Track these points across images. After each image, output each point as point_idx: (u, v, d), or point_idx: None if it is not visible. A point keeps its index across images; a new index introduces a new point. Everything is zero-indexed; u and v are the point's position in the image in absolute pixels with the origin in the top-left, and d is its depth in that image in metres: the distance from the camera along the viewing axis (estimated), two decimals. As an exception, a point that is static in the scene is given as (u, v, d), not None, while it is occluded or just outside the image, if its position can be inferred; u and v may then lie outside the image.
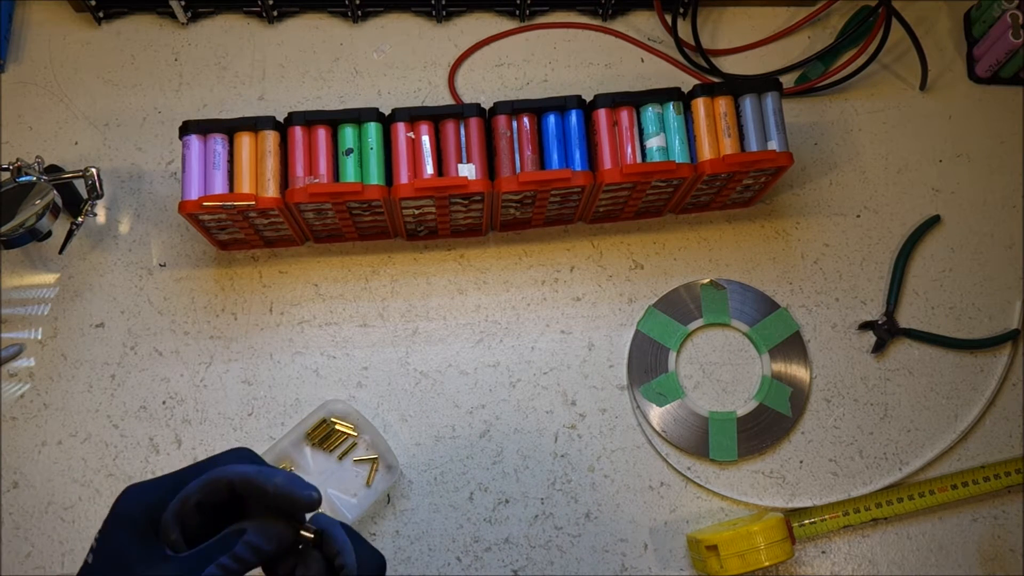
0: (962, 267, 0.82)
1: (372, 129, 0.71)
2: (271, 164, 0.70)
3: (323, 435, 0.73)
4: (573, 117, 0.72)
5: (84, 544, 0.71)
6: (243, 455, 0.48)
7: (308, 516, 0.47)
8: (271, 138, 0.71)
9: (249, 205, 0.69)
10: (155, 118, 0.83)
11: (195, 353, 0.76)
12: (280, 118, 0.72)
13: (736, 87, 0.74)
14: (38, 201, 0.74)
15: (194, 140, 0.70)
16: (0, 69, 0.84)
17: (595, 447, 0.75)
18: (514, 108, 0.72)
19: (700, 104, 0.73)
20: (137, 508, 0.44)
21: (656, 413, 0.76)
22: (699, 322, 0.79)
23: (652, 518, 0.74)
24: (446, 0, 0.86)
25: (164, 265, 0.79)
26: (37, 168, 0.76)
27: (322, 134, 0.71)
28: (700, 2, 0.88)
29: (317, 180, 0.70)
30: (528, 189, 0.71)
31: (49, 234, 0.77)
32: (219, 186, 0.70)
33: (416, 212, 0.75)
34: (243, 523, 0.45)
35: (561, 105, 0.72)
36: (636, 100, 0.73)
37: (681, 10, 0.88)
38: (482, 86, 0.86)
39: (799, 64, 0.87)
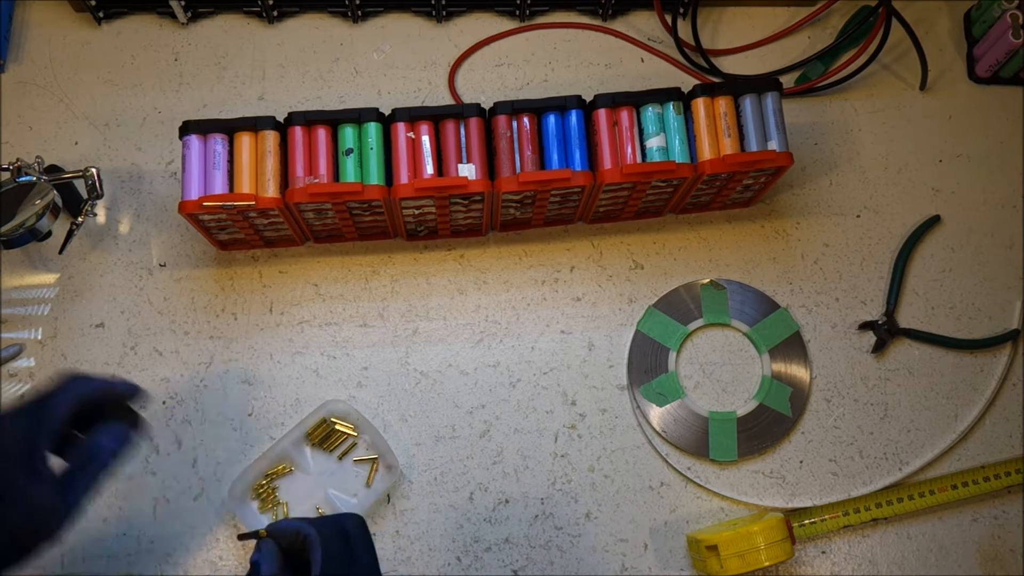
0: (962, 267, 0.82)
1: (372, 129, 0.71)
2: (271, 164, 0.70)
3: (323, 435, 0.73)
4: (573, 117, 0.72)
5: (84, 544, 0.71)
6: (76, 381, 0.56)
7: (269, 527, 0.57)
8: (271, 138, 0.71)
9: (249, 205, 0.69)
10: (155, 118, 0.83)
11: (195, 353, 0.76)
12: (280, 118, 0.72)
13: (736, 87, 0.74)
14: (38, 201, 0.74)
15: (194, 140, 0.70)
16: (0, 69, 0.84)
17: (595, 447, 0.75)
18: (514, 108, 0.72)
19: (700, 104, 0.73)
20: (10, 440, 0.51)
21: (656, 413, 0.76)
22: (699, 322, 0.79)
23: (652, 518, 0.74)
24: (446, 0, 0.86)
25: (164, 265, 0.79)
26: (37, 168, 0.76)
27: (322, 134, 0.71)
28: (700, 2, 0.88)
29: (317, 180, 0.70)
30: (528, 189, 0.71)
31: (49, 234, 0.77)
32: (219, 186, 0.70)
33: (416, 212, 0.75)
34: (91, 435, 0.55)
35: (561, 105, 0.72)
36: (636, 100, 0.73)
37: (681, 10, 0.88)
38: (482, 86, 0.86)
39: (799, 64, 0.87)
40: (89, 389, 0.55)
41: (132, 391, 0.59)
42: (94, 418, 0.57)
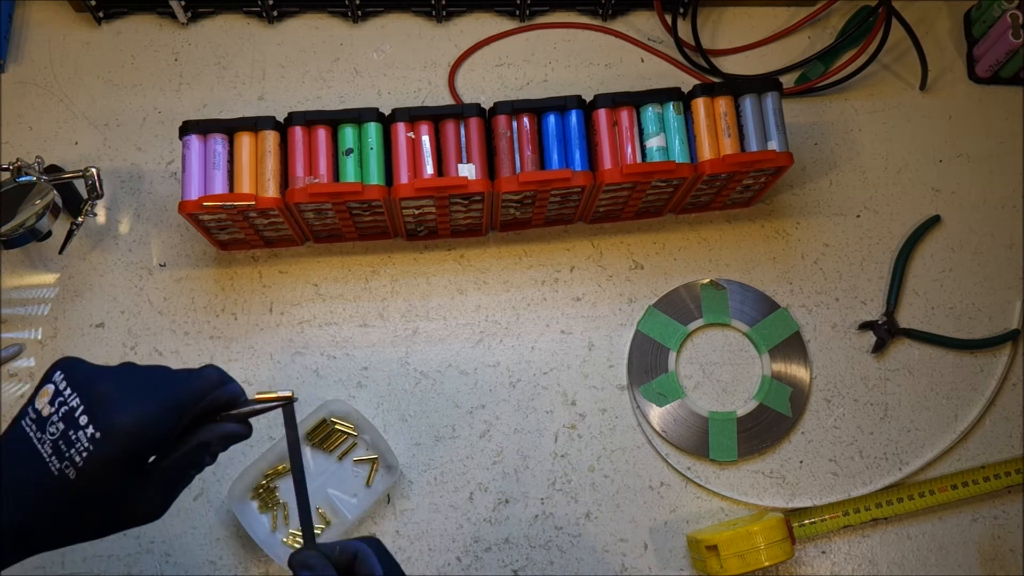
0: (962, 267, 0.82)
1: (372, 129, 0.71)
2: (271, 164, 0.70)
3: (323, 435, 0.73)
4: (573, 117, 0.72)
5: (84, 544, 0.71)
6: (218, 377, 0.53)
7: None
8: (271, 138, 0.71)
9: (249, 205, 0.69)
10: (155, 118, 0.83)
11: (195, 353, 0.76)
12: (280, 118, 0.72)
13: (736, 87, 0.74)
14: (38, 201, 0.74)
15: (194, 140, 0.70)
16: (0, 69, 0.84)
17: (595, 447, 0.75)
18: (514, 108, 0.72)
19: (700, 104, 0.73)
20: (136, 443, 0.48)
21: (656, 413, 0.76)
22: (699, 322, 0.79)
23: (652, 518, 0.74)
24: (446, 0, 0.86)
25: (164, 265, 0.79)
26: (37, 168, 0.76)
27: (322, 134, 0.71)
28: (700, 2, 0.88)
29: (317, 180, 0.70)
30: (528, 189, 0.71)
31: (49, 234, 0.77)
32: (219, 186, 0.70)
33: (416, 212, 0.75)
34: (201, 435, 0.53)
35: (561, 105, 0.72)
36: (636, 100, 0.73)
37: (681, 10, 0.88)
38: (482, 86, 0.86)
39: (799, 64, 0.87)
40: (224, 395, 0.53)
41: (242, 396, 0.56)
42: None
